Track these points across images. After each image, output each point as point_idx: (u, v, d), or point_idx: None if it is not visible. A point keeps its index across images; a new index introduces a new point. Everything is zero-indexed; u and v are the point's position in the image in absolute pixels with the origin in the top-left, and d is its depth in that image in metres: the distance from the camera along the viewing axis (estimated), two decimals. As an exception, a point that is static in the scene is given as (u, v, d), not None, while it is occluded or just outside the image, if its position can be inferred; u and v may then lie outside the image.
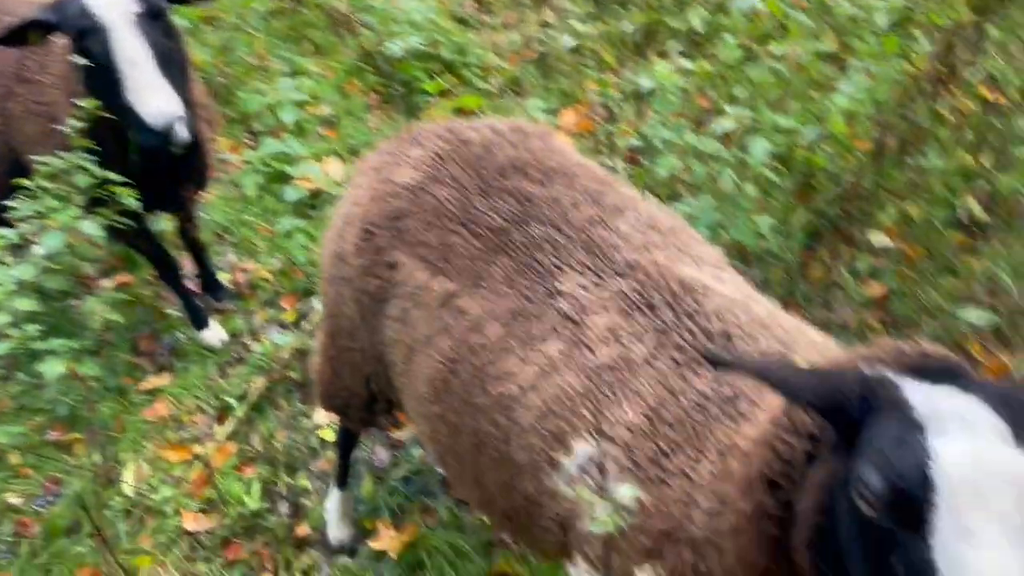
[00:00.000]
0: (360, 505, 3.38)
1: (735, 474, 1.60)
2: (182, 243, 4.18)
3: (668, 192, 3.96)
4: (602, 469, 1.27)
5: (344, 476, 3.24)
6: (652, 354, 1.90)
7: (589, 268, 2.09)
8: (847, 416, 1.33)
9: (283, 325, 4.14)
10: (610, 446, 1.81)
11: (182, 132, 2.95)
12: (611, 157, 4.01)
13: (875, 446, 1.27)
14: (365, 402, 2.72)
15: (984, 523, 1.16)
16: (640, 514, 1.73)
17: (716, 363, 1.50)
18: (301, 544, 3.27)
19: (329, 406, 2.91)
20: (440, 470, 3.48)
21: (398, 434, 3.67)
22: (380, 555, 3.17)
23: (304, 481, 3.49)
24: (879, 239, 3.70)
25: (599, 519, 1.16)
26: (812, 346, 1.89)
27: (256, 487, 3.41)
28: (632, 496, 1.19)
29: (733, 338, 1.86)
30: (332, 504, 3.27)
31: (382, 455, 3.60)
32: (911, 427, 1.24)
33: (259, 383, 3.83)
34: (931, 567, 1.18)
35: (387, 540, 3.17)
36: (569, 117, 4.82)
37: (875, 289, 3.79)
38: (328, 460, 3.55)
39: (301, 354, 3.89)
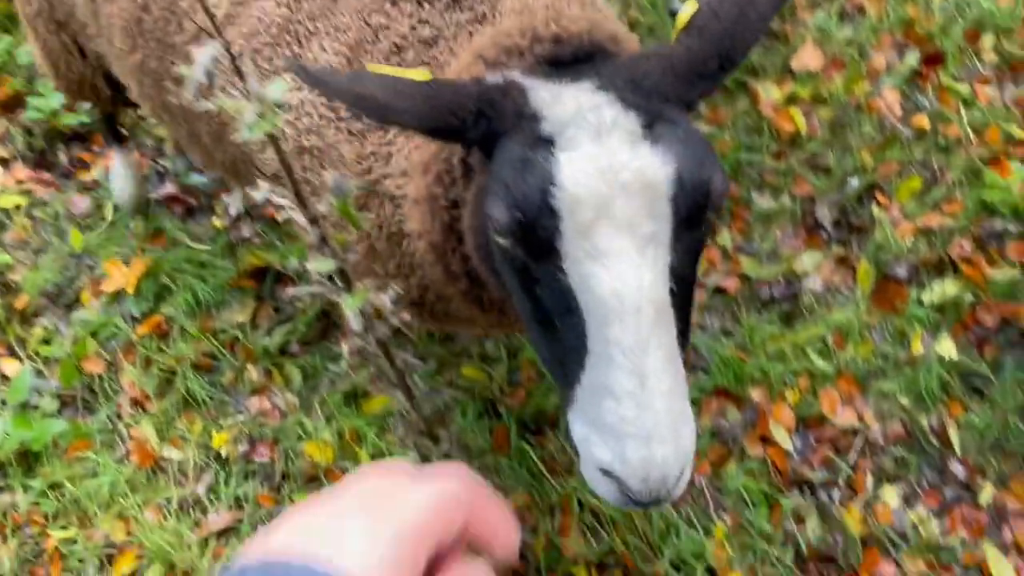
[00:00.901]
0: (75, 261, 3.07)
1: (419, 144, 1.48)
2: None
3: None
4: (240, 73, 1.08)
5: (117, 136, 3.05)
6: None
7: None
8: (466, 138, 1.18)
9: None
10: (308, 92, 1.62)
11: None
12: None
13: (500, 174, 1.14)
14: (107, 72, 2.41)
15: (612, 239, 1.07)
16: (342, 167, 1.62)
17: (303, 77, 1.22)
18: (27, 318, 2.97)
19: (72, 93, 2.67)
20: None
21: (88, 176, 3.28)
22: (119, 296, 2.96)
23: (1, 256, 3.09)
24: None
25: (251, 123, 1.02)
26: None
27: (-56, 284, 2.99)
28: (281, 90, 1.05)
29: None
30: (117, 164, 3.06)
31: (80, 203, 3.23)
32: (535, 145, 1.11)
33: None
34: (568, 293, 1.11)
35: (120, 279, 2.94)
36: None
37: None
38: (20, 227, 3.14)
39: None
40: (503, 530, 0.60)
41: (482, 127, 1.17)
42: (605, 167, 1.08)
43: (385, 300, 1.37)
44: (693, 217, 1.12)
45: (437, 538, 0.55)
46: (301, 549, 0.52)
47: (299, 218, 1.25)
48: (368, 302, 1.32)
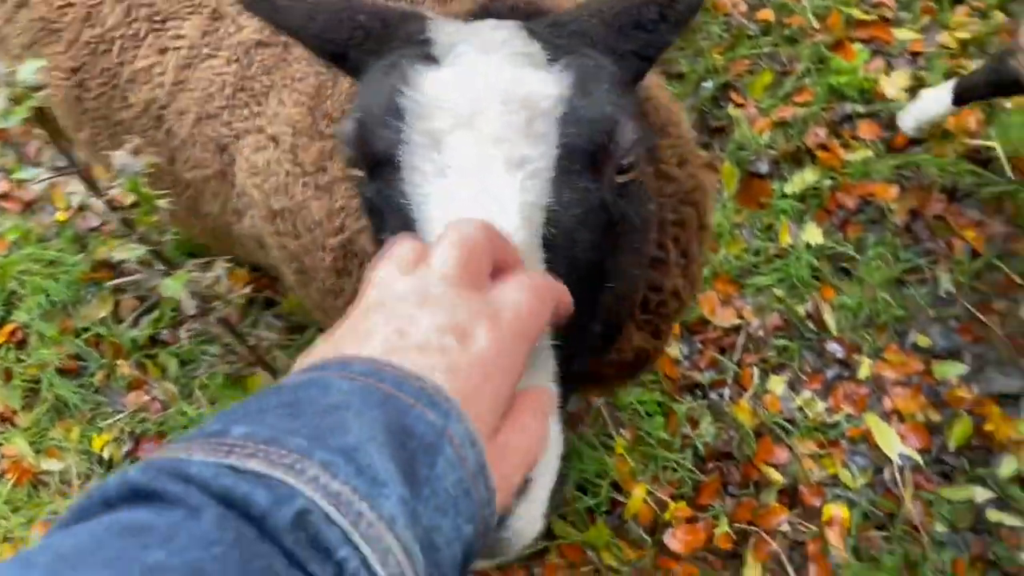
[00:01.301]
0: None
1: None
2: None
3: None
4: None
5: None
6: None
7: None
8: (346, 57, 1.02)
9: None
10: (273, 151, 1.48)
11: None
12: None
13: (361, 87, 0.99)
14: None
15: (470, 153, 0.87)
16: (318, 228, 1.47)
17: None
18: None
19: None
20: None
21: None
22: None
23: None
24: None
25: (4, 111, 0.91)
26: None
27: None
28: (36, 68, 0.94)
29: None
30: None
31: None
32: (408, 58, 0.94)
33: None
34: (406, 213, 0.90)
35: (-40, 292, 2.73)
36: None
37: None
38: None
39: None
40: (564, 308, 0.70)
41: (367, 47, 1.00)
42: (477, 73, 0.91)
43: (219, 278, 1.29)
44: (584, 156, 0.92)
45: (533, 342, 0.60)
46: (405, 362, 0.50)
47: (98, 203, 1.14)
48: (193, 281, 1.23)
